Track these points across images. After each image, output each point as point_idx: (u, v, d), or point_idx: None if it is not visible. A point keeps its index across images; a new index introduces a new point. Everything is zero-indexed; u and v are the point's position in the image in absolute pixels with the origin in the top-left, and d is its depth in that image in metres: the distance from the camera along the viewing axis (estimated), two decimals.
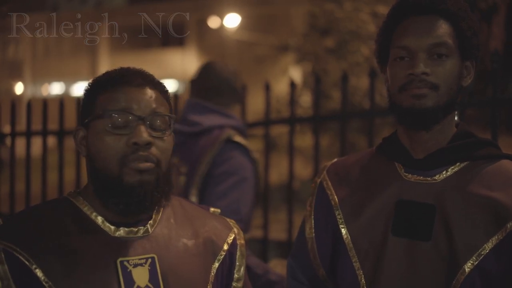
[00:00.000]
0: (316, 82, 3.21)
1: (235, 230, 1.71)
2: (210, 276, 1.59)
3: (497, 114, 2.43)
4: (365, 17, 7.44)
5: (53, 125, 3.82)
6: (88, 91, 1.58)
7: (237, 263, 1.67)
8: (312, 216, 1.81)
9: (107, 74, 1.58)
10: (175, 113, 3.53)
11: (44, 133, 3.80)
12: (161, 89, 1.58)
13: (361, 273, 1.65)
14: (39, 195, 3.75)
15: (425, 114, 1.61)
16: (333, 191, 1.77)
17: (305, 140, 7.78)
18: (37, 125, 3.87)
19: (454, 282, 1.56)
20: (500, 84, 2.60)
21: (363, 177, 1.75)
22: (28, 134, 3.83)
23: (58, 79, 31.76)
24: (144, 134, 1.49)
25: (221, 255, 1.63)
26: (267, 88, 3.33)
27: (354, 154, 1.88)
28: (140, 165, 1.48)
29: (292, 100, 3.32)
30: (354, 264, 1.67)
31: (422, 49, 1.61)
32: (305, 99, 8.33)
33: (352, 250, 1.68)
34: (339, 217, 1.73)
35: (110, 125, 1.50)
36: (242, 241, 1.70)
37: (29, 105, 3.77)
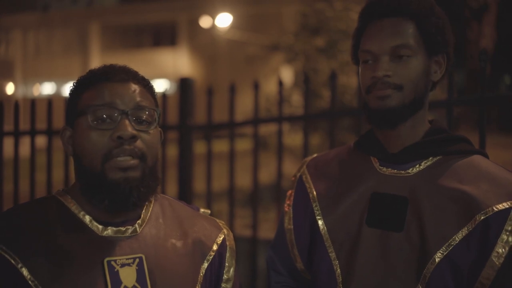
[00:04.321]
0: (305, 81, 3.21)
1: (225, 230, 1.71)
2: (199, 276, 1.59)
3: (485, 112, 2.43)
4: (355, 16, 7.41)
5: (44, 125, 3.80)
6: (72, 91, 1.58)
7: (227, 264, 1.67)
8: (291, 209, 1.88)
9: (90, 72, 1.59)
10: (163, 112, 3.55)
11: (32, 133, 3.79)
12: (145, 84, 1.58)
13: (336, 263, 1.72)
14: (27, 195, 3.73)
15: (389, 113, 1.68)
16: (311, 185, 1.84)
17: (295, 139, 7.79)
18: (28, 126, 3.85)
19: (424, 271, 1.61)
20: (490, 83, 2.61)
21: (340, 171, 1.82)
22: (16, 134, 3.82)
23: (49, 79, 31.66)
24: (128, 127, 1.48)
25: (210, 256, 1.63)
26: (256, 87, 3.32)
27: (333, 150, 1.94)
28: (123, 163, 1.47)
29: (281, 99, 3.32)
30: (330, 254, 1.73)
31: (385, 52, 1.68)
32: (296, 98, 8.34)
33: (328, 241, 1.75)
34: (316, 209, 1.80)
35: (94, 121, 1.50)
36: (232, 242, 1.70)
37: (16, 105, 3.76)
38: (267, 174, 7.14)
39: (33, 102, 3.77)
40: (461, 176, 1.67)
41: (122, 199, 1.48)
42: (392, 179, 1.72)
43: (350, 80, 7.07)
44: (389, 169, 1.73)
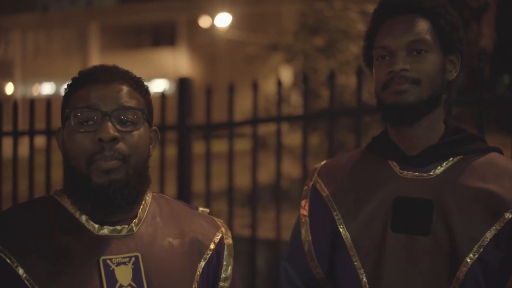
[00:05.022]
0: (304, 80, 3.21)
1: (223, 229, 1.70)
2: (196, 275, 1.58)
3: (484, 112, 2.43)
4: (354, 16, 7.45)
5: (44, 125, 3.80)
6: (65, 92, 1.59)
7: (224, 263, 1.66)
8: (308, 219, 1.82)
9: (80, 73, 1.59)
10: (162, 112, 3.54)
11: (31, 133, 3.79)
12: (133, 83, 1.57)
13: (362, 272, 1.67)
14: (26, 195, 3.73)
15: (407, 109, 1.64)
16: (327, 193, 1.79)
17: (295, 139, 7.79)
18: (28, 126, 3.86)
19: (457, 273, 1.58)
20: (489, 83, 2.61)
21: (357, 177, 1.77)
22: (15, 134, 3.83)
23: (48, 79, 31.66)
24: (110, 129, 1.47)
25: (207, 254, 1.62)
26: (255, 87, 3.32)
27: (343, 155, 1.89)
28: (105, 165, 1.47)
29: (280, 99, 3.32)
30: (355, 263, 1.69)
31: (401, 47, 1.66)
32: (295, 98, 8.34)
33: (353, 249, 1.70)
34: (337, 217, 1.75)
35: (77, 123, 1.50)
36: (230, 241, 1.70)
37: (15, 105, 3.77)
38: (266, 174, 7.13)
39: (32, 102, 3.77)
40: (483, 174, 1.65)
41: (105, 203, 1.48)
42: (414, 182, 1.68)
43: (349, 80, 7.07)
44: (410, 172, 1.70)
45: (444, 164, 1.69)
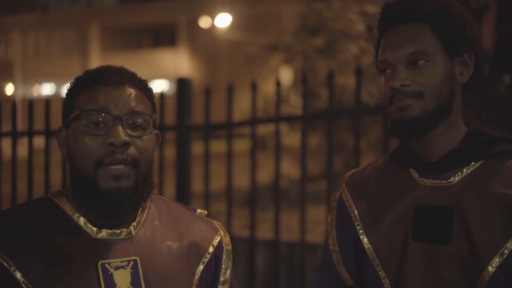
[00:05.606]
0: (303, 81, 3.21)
1: (221, 232, 1.68)
2: (195, 278, 1.57)
3: (485, 113, 2.43)
4: (353, 16, 7.45)
5: (43, 126, 3.81)
6: (68, 91, 1.56)
7: (223, 266, 1.65)
8: (334, 230, 1.81)
9: (87, 73, 1.56)
10: (161, 113, 3.54)
11: (30, 134, 3.79)
12: (142, 87, 1.54)
13: (387, 282, 1.65)
14: (25, 196, 3.73)
15: (411, 123, 1.61)
16: (352, 203, 1.77)
17: (294, 139, 7.79)
18: (27, 126, 3.86)
19: (479, 283, 1.55)
20: (489, 83, 2.62)
21: (379, 186, 1.75)
22: (14, 135, 3.83)
23: (49, 79, 31.67)
24: (121, 134, 1.45)
25: (206, 258, 1.61)
26: (254, 87, 3.32)
27: (370, 164, 1.86)
28: (115, 171, 1.45)
29: (279, 99, 3.32)
30: (379, 273, 1.67)
31: (400, 60, 1.61)
32: (295, 99, 8.34)
33: (376, 260, 1.68)
34: (358, 228, 1.73)
35: (86, 125, 1.47)
36: (229, 244, 1.68)
37: (14, 105, 3.77)
38: (265, 175, 7.13)
39: (30, 103, 3.77)
40: (506, 179, 1.59)
41: (112, 208, 1.47)
42: (434, 190, 1.64)
43: (348, 80, 7.07)
44: (430, 179, 1.65)
45: (465, 169, 1.63)
